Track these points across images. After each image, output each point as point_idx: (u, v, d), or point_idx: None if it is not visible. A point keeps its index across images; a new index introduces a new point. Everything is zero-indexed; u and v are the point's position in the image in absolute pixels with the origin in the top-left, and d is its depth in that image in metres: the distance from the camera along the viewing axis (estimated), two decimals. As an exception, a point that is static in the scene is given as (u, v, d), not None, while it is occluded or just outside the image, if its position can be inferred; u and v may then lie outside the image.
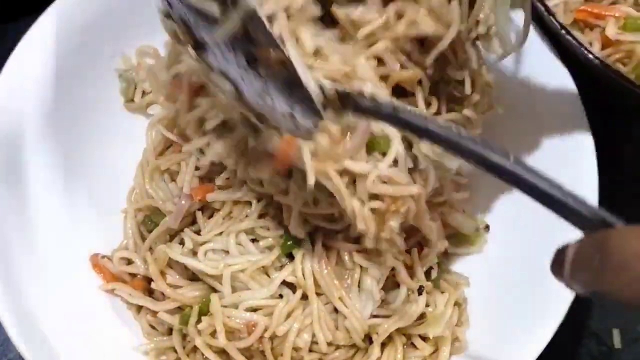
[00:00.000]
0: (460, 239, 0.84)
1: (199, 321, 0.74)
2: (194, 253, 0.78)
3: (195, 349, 0.76)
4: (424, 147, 0.71)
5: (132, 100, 0.91)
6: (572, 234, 0.76)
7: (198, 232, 0.80)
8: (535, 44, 0.85)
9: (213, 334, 0.74)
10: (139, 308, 0.81)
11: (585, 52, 0.79)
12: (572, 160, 0.81)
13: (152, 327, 0.80)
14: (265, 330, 0.73)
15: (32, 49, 0.84)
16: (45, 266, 0.78)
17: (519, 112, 0.87)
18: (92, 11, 0.87)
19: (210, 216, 0.80)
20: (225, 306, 0.74)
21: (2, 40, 0.92)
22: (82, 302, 0.80)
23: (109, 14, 0.88)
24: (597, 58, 0.79)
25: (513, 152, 0.82)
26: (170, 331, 0.79)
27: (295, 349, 0.74)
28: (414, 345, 0.77)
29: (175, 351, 0.77)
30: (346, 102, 0.57)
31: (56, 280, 0.79)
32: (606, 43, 0.89)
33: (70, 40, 0.86)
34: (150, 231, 0.81)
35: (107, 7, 0.87)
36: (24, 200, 0.80)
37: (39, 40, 0.84)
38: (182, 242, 0.80)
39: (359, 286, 0.75)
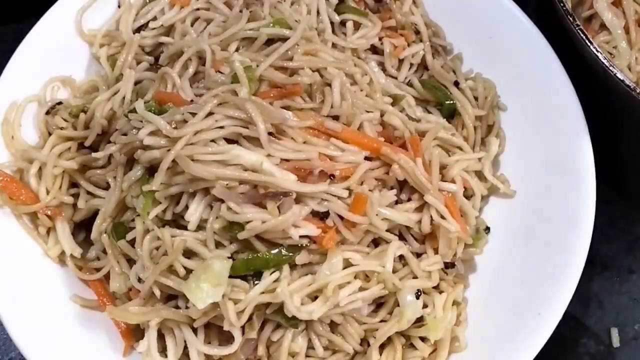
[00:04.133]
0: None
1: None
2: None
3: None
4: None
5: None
6: (571, 235, 0.77)
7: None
8: (536, 46, 0.86)
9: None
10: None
11: (595, 54, 0.78)
12: (571, 164, 0.81)
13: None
14: None
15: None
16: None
17: (518, 110, 0.88)
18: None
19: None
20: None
21: (2, 41, 0.93)
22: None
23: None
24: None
25: (513, 150, 0.85)
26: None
27: (292, 354, 0.73)
28: (413, 346, 0.77)
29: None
30: None
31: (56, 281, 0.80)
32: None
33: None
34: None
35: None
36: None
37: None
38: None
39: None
